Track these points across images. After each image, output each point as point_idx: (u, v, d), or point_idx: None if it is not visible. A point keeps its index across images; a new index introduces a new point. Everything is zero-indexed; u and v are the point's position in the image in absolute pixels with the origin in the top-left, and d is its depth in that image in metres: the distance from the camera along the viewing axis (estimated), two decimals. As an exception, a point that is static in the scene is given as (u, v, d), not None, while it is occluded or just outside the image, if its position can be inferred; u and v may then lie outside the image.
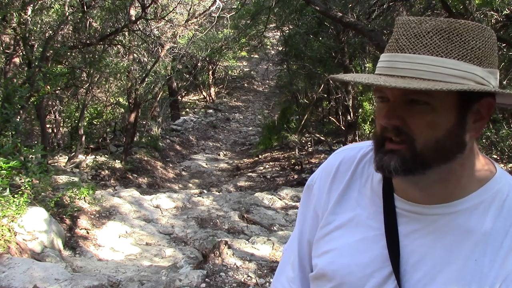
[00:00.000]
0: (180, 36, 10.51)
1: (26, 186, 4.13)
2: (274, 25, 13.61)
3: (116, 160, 8.90)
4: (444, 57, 0.69)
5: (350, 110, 10.11)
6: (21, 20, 6.42)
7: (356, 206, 0.86)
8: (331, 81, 10.56)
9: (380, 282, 0.78)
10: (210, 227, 5.46)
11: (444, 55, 0.69)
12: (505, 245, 0.72)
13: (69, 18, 7.64)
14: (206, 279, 3.42)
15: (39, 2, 7.15)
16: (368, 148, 0.91)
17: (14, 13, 6.28)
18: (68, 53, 8.01)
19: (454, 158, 0.73)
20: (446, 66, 0.69)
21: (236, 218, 5.75)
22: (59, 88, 8.10)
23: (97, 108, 10.56)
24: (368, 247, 0.81)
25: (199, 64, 16.00)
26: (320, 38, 11.28)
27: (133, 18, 8.77)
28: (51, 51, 6.93)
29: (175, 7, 10.09)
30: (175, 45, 10.76)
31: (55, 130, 9.65)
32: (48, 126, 9.09)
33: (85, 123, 9.66)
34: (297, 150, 10.27)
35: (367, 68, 10.47)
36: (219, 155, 12.38)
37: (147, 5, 8.57)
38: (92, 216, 5.27)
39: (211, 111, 16.74)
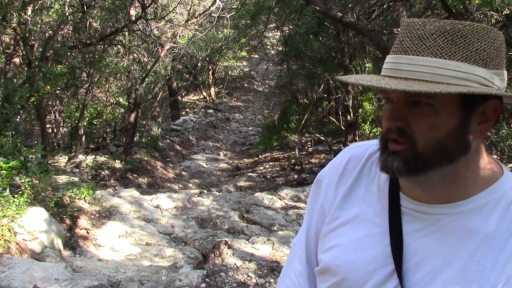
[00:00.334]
0: (180, 36, 10.51)
1: (26, 186, 4.13)
2: (274, 25, 13.61)
3: (116, 160, 8.90)
4: (448, 59, 0.69)
5: (350, 110, 10.11)
6: (21, 20, 6.42)
7: (362, 203, 0.87)
8: (331, 81, 10.57)
9: (382, 279, 0.79)
10: (210, 227, 5.46)
11: (447, 57, 0.69)
12: (508, 247, 0.72)
13: (69, 18, 7.63)
14: (206, 279, 3.42)
15: (39, 2, 7.14)
16: (376, 146, 0.92)
17: (14, 13, 6.28)
18: (68, 53, 8.01)
19: (457, 159, 0.73)
20: (449, 68, 0.69)
21: (236, 218, 5.75)
22: (59, 88, 8.09)
23: (97, 108, 10.56)
24: (372, 244, 0.82)
25: (199, 64, 16.00)
26: (320, 38, 11.28)
27: (133, 18, 8.77)
28: (51, 51, 6.93)
29: (175, 7, 10.09)
30: (175, 45, 10.76)
31: (55, 130, 9.65)
32: (48, 126, 9.09)
33: (85, 123, 9.66)
34: (297, 150, 10.27)
35: (367, 68, 10.47)
36: (219, 155, 12.38)
37: (147, 5, 8.57)
38: (92, 216, 5.27)
39: (211, 111, 16.74)
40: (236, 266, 3.70)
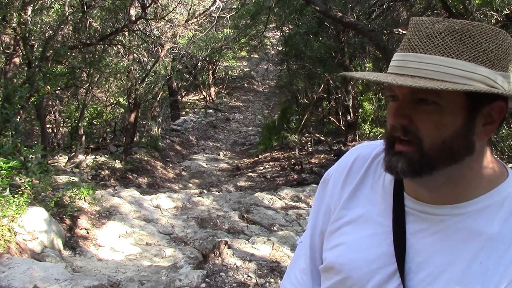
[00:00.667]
0: (180, 36, 10.51)
1: (26, 186, 4.13)
2: (274, 25, 13.61)
3: (116, 160, 8.90)
4: (455, 58, 0.69)
5: (350, 110, 10.11)
6: (21, 20, 6.42)
7: (367, 203, 0.88)
8: (331, 81, 10.57)
9: (384, 278, 0.79)
10: (210, 227, 5.46)
11: (455, 56, 0.69)
12: None
13: (69, 18, 7.63)
14: (206, 279, 3.42)
15: (39, 2, 7.14)
16: (383, 146, 0.92)
17: (14, 13, 6.27)
18: (68, 53, 8.01)
19: (462, 160, 0.73)
20: (455, 67, 0.68)
21: (236, 218, 5.75)
22: (59, 88, 8.09)
23: (97, 108, 10.56)
24: (376, 243, 0.82)
25: (199, 64, 16.00)
26: (320, 38, 11.28)
27: (133, 18, 8.77)
28: (51, 51, 6.93)
29: (175, 7, 10.09)
30: (175, 45, 10.76)
31: (55, 130, 9.65)
32: (48, 126, 9.09)
33: (85, 123, 9.66)
34: (297, 150, 10.27)
35: (367, 68, 10.48)
36: (219, 155, 12.38)
37: (147, 5, 8.57)
38: (92, 216, 5.27)
39: (211, 111, 16.74)
40: (236, 266, 3.70)
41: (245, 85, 20.46)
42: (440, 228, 0.76)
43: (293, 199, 6.79)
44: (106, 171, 8.39)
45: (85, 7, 7.80)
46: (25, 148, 4.71)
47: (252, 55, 20.33)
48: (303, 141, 11.28)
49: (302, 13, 10.76)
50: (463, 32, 0.69)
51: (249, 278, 3.50)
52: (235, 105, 18.06)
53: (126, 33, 9.29)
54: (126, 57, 9.91)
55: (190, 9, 10.28)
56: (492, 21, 6.20)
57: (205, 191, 8.28)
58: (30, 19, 6.75)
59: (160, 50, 9.74)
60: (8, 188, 3.96)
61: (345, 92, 10.19)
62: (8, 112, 4.86)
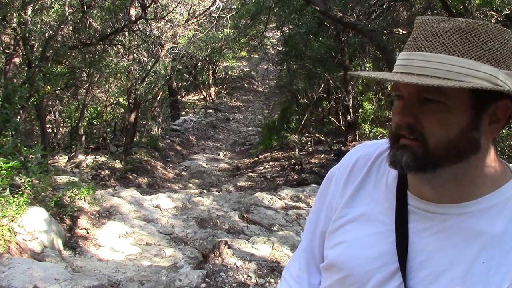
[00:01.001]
0: (180, 36, 10.51)
1: (26, 186, 4.13)
2: (274, 25, 13.61)
3: (116, 160, 8.90)
4: (461, 57, 0.69)
5: (350, 110, 10.11)
6: (21, 20, 6.42)
7: (370, 201, 0.87)
8: (331, 81, 10.57)
9: (386, 277, 0.79)
10: (210, 227, 5.46)
11: (460, 54, 0.69)
12: None
13: (69, 18, 7.63)
14: (206, 279, 3.42)
15: (39, 2, 7.14)
16: (386, 145, 0.92)
17: (14, 13, 6.28)
18: (68, 53, 8.01)
19: (468, 159, 0.73)
20: (461, 66, 0.68)
21: (236, 218, 5.75)
22: (59, 88, 8.09)
23: (97, 108, 10.56)
24: (378, 242, 0.82)
25: (199, 64, 16.00)
26: (320, 38, 11.29)
27: (133, 18, 8.77)
28: (51, 51, 6.93)
29: (175, 7, 10.09)
30: (175, 45, 10.76)
31: (55, 130, 9.65)
32: (48, 126, 9.09)
33: (85, 123, 9.66)
34: (297, 150, 10.27)
35: (367, 68, 10.48)
36: (219, 155, 12.38)
37: (147, 5, 8.57)
38: (92, 216, 5.27)
39: (211, 111, 16.74)
40: (236, 266, 3.70)
41: (245, 85, 20.46)
42: (443, 227, 0.76)
43: (293, 199, 6.79)
44: (106, 171, 8.39)
45: (85, 7, 7.80)
46: (25, 148, 4.71)
47: (252, 55, 20.33)
48: (303, 141, 11.28)
49: (302, 13, 10.76)
50: (468, 31, 0.69)
51: (249, 278, 3.50)
52: (235, 105, 18.06)
53: (126, 33, 9.29)
54: (126, 57, 9.91)
55: (190, 9, 10.28)
56: (492, 21, 6.20)
57: (205, 191, 8.28)
58: (30, 19, 6.75)
59: (160, 50, 9.74)
60: (8, 188, 3.96)
61: (345, 92, 10.19)
62: (8, 112, 4.86)
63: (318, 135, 11.21)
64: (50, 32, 7.46)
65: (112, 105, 10.99)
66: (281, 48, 14.03)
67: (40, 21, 7.79)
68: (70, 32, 8.18)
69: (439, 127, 0.71)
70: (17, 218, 3.77)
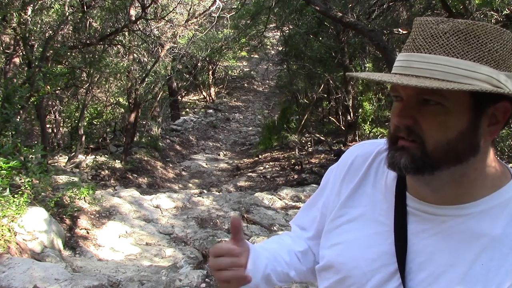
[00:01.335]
0: (180, 36, 10.51)
1: (26, 186, 4.13)
2: (274, 25, 13.61)
3: (116, 160, 8.90)
4: (460, 58, 0.68)
5: (350, 110, 10.11)
6: (21, 20, 6.42)
7: (368, 202, 0.87)
8: (331, 81, 10.57)
9: (385, 278, 0.79)
10: (210, 227, 5.46)
11: (460, 56, 0.68)
12: None
13: (69, 18, 7.63)
14: (206, 279, 3.42)
15: (39, 2, 7.14)
16: (385, 145, 0.91)
17: (14, 13, 6.27)
18: (68, 53, 8.01)
19: (466, 161, 0.72)
20: (460, 67, 0.68)
21: (236, 218, 5.74)
22: (59, 88, 8.09)
23: (97, 108, 10.56)
24: (376, 243, 0.82)
25: (199, 64, 15.99)
26: (320, 38, 11.28)
27: (133, 18, 8.77)
28: (51, 51, 6.93)
29: (175, 7, 10.09)
30: (175, 45, 10.76)
31: (55, 130, 9.65)
32: (48, 126, 9.09)
33: (85, 123, 9.66)
34: (297, 150, 10.27)
35: (367, 68, 10.48)
36: (219, 155, 12.38)
37: (147, 5, 8.57)
38: (92, 216, 5.27)
39: (211, 111, 16.74)
40: (236, 266, 3.69)
41: (245, 85, 20.46)
42: (442, 229, 0.76)
43: (293, 199, 6.80)
44: (106, 171, 8.39)
45: (85, 7, 7.80)
46: (25, 148, 4.71)
47: (252, 55, 20.32)
48: (303, 141, 11.28)
49: (302, 13, 10.76)
50: (468, 32, 0.69)
51: (249, 278, 3.50)
52: (235, 105, 18.06)
53: (126, 33, 9.29)
54: (126, 57, 9.91)
55: (190, 9, 10.28)
56: (492, 21, 6.20)
57: (205, 191, 8.28)
58: (30, 19, 6.75)
59: (160, 50, 9.74)
60: (8, 188, 3.96)
61: (345, 92, 10.19)
62: (8, 112, 4.86)
63: (318, 135, 11.21)
64: (50, 32, 7.46)
65: (112, 105, 10.99)
66: (281, 48, 14.03)
67: (40, 21, 7.79)
68: (70, 32, 8.18)
69: (438, 129, 0.70)
70: (17, 218, 3.77)
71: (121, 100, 11.18)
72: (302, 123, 11.09)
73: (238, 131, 14.99)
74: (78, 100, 10.01)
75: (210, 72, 17.92)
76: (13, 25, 6.38)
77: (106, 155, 9.08)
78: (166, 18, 9.48)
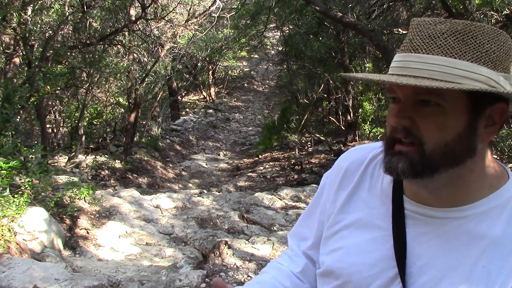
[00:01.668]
0: (180, 36, 10.51)
1: (26, 186, 4.13)
2: (274, 25, 13.60)
3: (116, 160, 8.90)
4: (458, 59, 0.68)
5: (350, 110, 10.11)
6: (21, 20, 6.42)
7: (365, 207, 0.86)
8: (331, 81, 10.57)
9: (385, 283, 0.78)
10: (210, 227, 5.46)
11: (457, 56, 0.68)
12: None
13: (69, 18, 7.64)
14: (206, 279, 3.42)
15: (39, 2, 7.14)
16: (379, 149, 0.90)
17: (14, 13, 6.28)
18: (68, 53, 8.01)
19: (464, 162, 0.72)
20: (458, 68, 0.68)
21: (236, 218, 5.75)
22: (59, 88, 8.10)
23: (97, 108, 10.56)
24: (375, 248, 0.81)
25: (199, 64, 15.99)
26: (320, 38, 11.28)
27: (133, 18, 8.77)
28: (51, 51, 6.93)
29: (175, 7, 10.09)
30: (175, 45, 10.76)
31: (55, 130, 9.65)
32: (48, 126, 9.09)
33: (85, 123, 9.66)
34: (297, 150, 10.27)
35: (367, 68, 10.48)
36: (219, 155, 12.38)
37: (147, 5, 8.57)
38: (92, 216, 5.27)
39: (211, 111, 16.74)
40: (236, 266, 3.70)
41: (245, 85, 20.46)
42: (442, 232, 0.76)
43: (293, 199, 6.80)
44: (106, 171, 8.39)
45: (85, 7, 7.80)
46: (25, 148, 4.71)
47: (252, 55, 20.32)
48: (303, 141, 11.28)
49: (302, 13, 10.76)
50: (465, 33, 0.69)
51: (249, 278, 3.50)
52: (235, 105, 18.06)
53: (126, 33, 9.29)
54: (126, 57, 9.92)
55: (190, 9, 10.28)
56: (492, 21, 6.20)
57: (205, 191, 8.28)
58: (30, 19, 6.75)
59: (160, 50, 9.75)
60: (8, 188, 3.96)
61: (345, 92, 10.19)
62: (8, 112, 4.87)
63: (318, 135, 11.21)
64: (50, 32, 7.46)
65: (112, 105, 10.99)
66: (281, 48, 14.03)
67: (40, 21, 7.79)
68: (70, 32, 8.18)
69: (436, 130, 0.70)
70: (17, 218, 3.77)
71: (121, 100, 11.18)
72: (302, 123, 11.09)
73: (238, 131, 14.99)
74: (78, 100, 10.01)
75: (210, 72, 17.92)
76: (13, 25, 6.38)
77: (106, 155, 9.08)
78: (166, 18, 9.48)
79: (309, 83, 11.45)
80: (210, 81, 18.13)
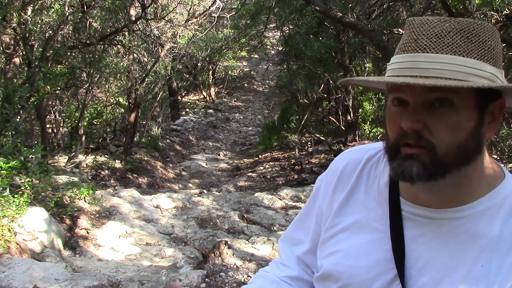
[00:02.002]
0: (180, 36, 10.51)
1: (26, 186, 4.13)
2: (274, 25, 13.60)
3: (116, 160, 8.90)
4: (466, 57, 0.68)
5: (350, 110, 10.11)
6: (21, 20, 6.42)
7: (362, 209, 0.86)
8: (331, 81, 10.57)
9: (384, 285, 0.78)
10: (210, 227, 5.46)
11: (465, 54, 0.68)
12: None
13: (69, 18, 7.64)
14: (206, 279, 3.42)
15: (39, 2, 7.14)
16: (375, 150, 0.90)
17: (14, 13, 6.28)
18: (68, 53, 8.02)
19: (473, 160, 0.72)
20: (467, 65, 0.68)
21: (236, 218, 5.75)
22: (59, 88, 8.10)
23: (97, 108, 10.56)
24: (373, 250, 0.81)
25: (199, 64, 15.99)
26: (320, 38, 11.28)
27: (133, 18, 8.77)
28: (51, 51, 6.93)
29: (175, 7, 10.09)
30: (175, 45, 10.76)
31: (55, 130, 9.65)
32: (48, 126, 9.09)
33: (85, 123, 9.66)
34: (297, 150, 10.27)
35: (367, 68, 10.48)
36: (219, 155, 12.38)
37: (147, 5, 8.57)
38: (92, 216, 5.27)
39: (211, 111, 16.74)
40: (236, 266, 3.70)
41: (245, 85, 20.46)
42: (440, 232, 0.75)
43: (293, 199, 6.80)
44: (106, 171, 8.39)
45: (85, 7, 7.80)
46: (25, 148, 4.71)
47: (252, 55, 20.32)
48: (303, 141, 11.28)
49: (302, 13, 10.76)
50: (469, 31, 0.69)
51: (249, 278, 3.50)
52: (235, 105, 18.06)
53: (126, 33, 9.29)
54: (126, 57, 9.92)
55: (190, 9, 10.28)
56: (492, 21, 6.20)
57: (205, 191, 8.28)
58: (30, 19, 6.75)
59: (160, 50, 9.75)
60: (8, 188, 3.96)
61: (345, 92, 10.19)
62: (8, 112, 4.87)
63: (318, 135, 11.20)
64: (50, 32, 7.46)
65: (112, 105, 11.00)
66: (281, 48, 14.03)
67: (40, 21, 7.79)
68: (70, 32, 8.18)
69: (449, 132, 0.69)
70: (17, 218, 3.77)
71: (121, 100, 11.18)
72: (302, 123, 11.09)
73: (238, 131, 14.99)
74: (78, 100, 10.01)
75: (210, 72, 17.92)
76: (13, 25, 6.38)
77: (106, 155, 9.08)
78: (166, 18, 9.49)
79: (309, 83, 11.45)
80: (210, 81, 18.13)
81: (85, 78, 8.96)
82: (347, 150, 0.97)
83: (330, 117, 12.32)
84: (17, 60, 7.45)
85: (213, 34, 13.86)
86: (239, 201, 6.46)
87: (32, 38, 6.90)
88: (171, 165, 10.64)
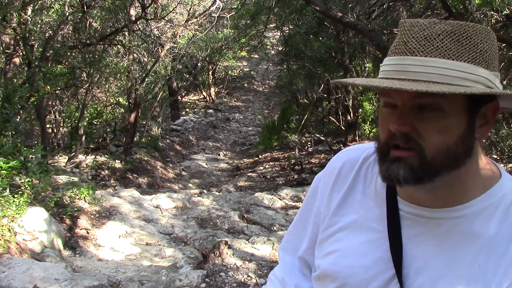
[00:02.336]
0: (180, 36, 10.51)
1: (26, 186, 4.13)
2: (274, 25, 13.60)
3: (116, 160, 8.90)
4: (456, 60, 0.67)
5: (350, 110, 10.11)
6: (21, 20, 6.42)
7: (359, 208, 0.86)
8: (331, 81, 10.56)
9: (382, 285, 0.78)
10: (210, 227, 5.46)
11: (455, 58, 0.67)
12: (510, 250, 0.71)
13: (69, 18, 7.64)
14: (206, 279, 3.42)
15: (39, 2, 7.14)
16: (372, 149, 0.89)
17: (14, 13, 6.28)
18: (68, 53, 8.02)
19: (464, 163, 0.72)
20: (458, 69, 0.67)
21: (236, 218, 5.75)
22: (59, 88, 8.10)
23: (97, 108, 10.56)
24: (371, 250, 0.81)
25: (199, 64, 15.99)
26: (320, 38, 11.28)
27: (133, 18, 8.77)
28: (51, 51, 6.93)
29: (175, 7, 10.09)
30: (175, 45, 10.76)
31: (55, 130, 9.65)
32: (48, 126, 9.09)
33: (85, 123, 9.66)
34: (297, 150, 10.27)
35: (367, 68, 10.48)
36: (219, 155, 12.38)
37: (147, 5, 8.57)
38: (92, 216, 5.27)
39: (211, 111, 16.74)
40: (236, 266, 3.70)
41: (245, 85, 20.46)
42: (438, 232, 0.75)
43: (293, 199, 6.80)
44: (106, 171, 8.39)
45: (85, 7, 7.80)
46: (25, 148, 4.71)
47: (252, 55, 20.32)
48: (303, 141, 11.28)
49: (302, 13, 10.76)
50: (460, 33, 0.68)
51: (249, 278, 3.50)
52: (235, 105, 18.06)
53: (126, 33, 9.29)
54: (126, 57, 9.92)
55: (190, 9, 10.28)
56: (492, 21, 6.20)
57: (205, 191, 8.28)
58: (30, 19, 6.75)
59: (160, 50, 9.74)
60: (8, 188, 3.96)
61: (345, 92, 10.19)
62: (8, 112, 4.87)
63: (318, 135, 11.20)
64: (50, 32, 7.46)
65: (112, 105, 11.00)
66: (281, 48, 14.03)
67: (40, 21, 7.79)
68: (70, 32, 8.18)
69: (438, 135, 0.69)
70: (17, 218, 3.77)
71: (121, 100, 11.18)
72: (302, 123, 11.09)
73: (238, 131, 14.99)
74: (78, 100, 10.01)
75: (210, 72, 17.92)
76: (13, 25, 6.38)
77: (106, 155, 9.08)
78: (166, 18, 9.48)
79: (309, 83, 11.45)
80: (210, 81, 18.13)
81: (85, 78, 8.96)
82: (344, 150, 0.97)
83: (330, 117, 12.32)
84: (17, 60, 7.45)
85: (213, 34, 13.86)
86: (239, 201, 6.46)
87: (32, 38, 6.90)
88: (171, 165, 10.65)
